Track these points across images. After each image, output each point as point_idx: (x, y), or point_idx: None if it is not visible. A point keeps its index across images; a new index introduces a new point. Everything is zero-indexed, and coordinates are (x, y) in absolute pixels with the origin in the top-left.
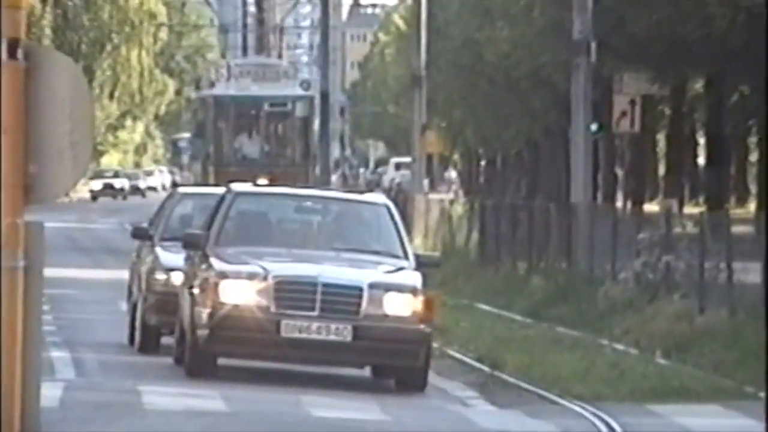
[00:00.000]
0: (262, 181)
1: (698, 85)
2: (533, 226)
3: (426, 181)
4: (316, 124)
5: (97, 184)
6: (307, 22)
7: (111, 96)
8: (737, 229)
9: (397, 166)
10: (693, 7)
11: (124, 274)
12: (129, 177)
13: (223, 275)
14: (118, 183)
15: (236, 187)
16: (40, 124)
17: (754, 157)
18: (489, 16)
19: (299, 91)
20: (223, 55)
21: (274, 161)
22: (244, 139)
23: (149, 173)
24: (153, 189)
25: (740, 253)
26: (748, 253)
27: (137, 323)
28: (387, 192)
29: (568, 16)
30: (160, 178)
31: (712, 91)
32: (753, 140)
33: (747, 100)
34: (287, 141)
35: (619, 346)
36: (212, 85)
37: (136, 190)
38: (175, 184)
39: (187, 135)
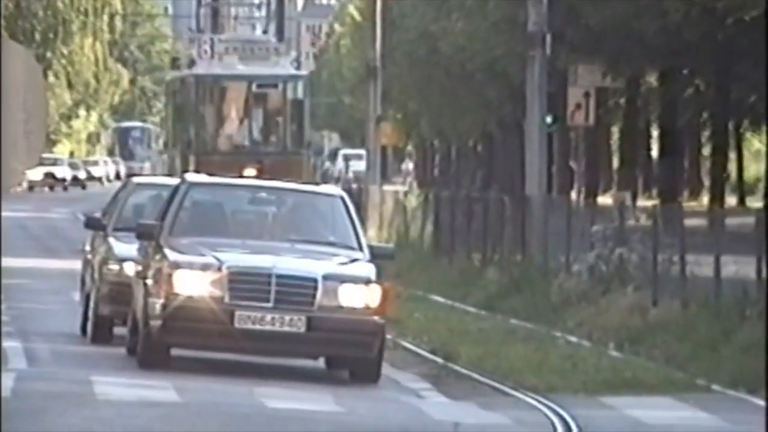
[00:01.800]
0: (250, 171)
1: (652, 79)
2: (488, 218)
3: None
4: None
5: (36, 173)
6: (262, 12)
7: (68, 85)
8: (690, 221)
9: (346, 158)
10: (648, 1)
11: (77, 264)
12: (71, 166)
13: (177, 266)
14: (59, 172)
15: (190, 177)
16: None
17: (707, 150)
18: (444, 8)
19: (291, 70)
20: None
21: (264, 149)
22: (230, 125)
23: (92, 163)
24: (96, 179)
25: (693, 246)
26: (700, 245)
27: (90, 313)
28: (336, 182)
29: (523, 8)
30: (104, 168)
31: (666, 85)
32: (706, 134)
33: (701, 94)
34: (278, 126)
35: (573, 339)
36: (192, 63)
37: (75, 180)
38: (119, 176)
39: (136, 123)
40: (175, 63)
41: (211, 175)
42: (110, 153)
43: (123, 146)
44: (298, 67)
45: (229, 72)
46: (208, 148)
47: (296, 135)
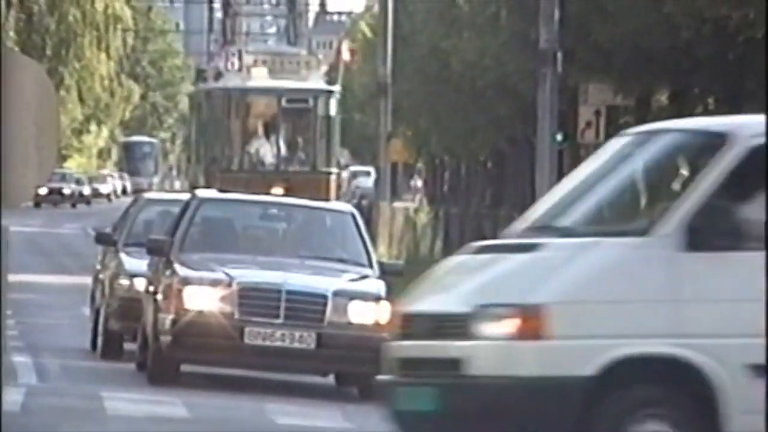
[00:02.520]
0: (277, 190)
1: (663, 97)
2: (497, 235)
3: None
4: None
5: (42, 189)
6: (273, 29)
7: (80, 99)
8: None
9: (354, 175)
10: (658, 19)
11: (88, 280)
12: (77, 182)
13: (187, 281)
14: (66, 188)
15: (201, 193)
16: (5, 128)
17: None
18: (455, 25)
19: (322, 85)
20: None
21: (292, 168)
22: (257, 141)
23: (99, 179)
24: (104, 196)
25: None
26: None
27: (100, 329)
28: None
29: (534, 26)
30: (111, 184)
31: (677, 103)
32: None
33: (711, 113)
34: (307, 144)
35: None
36: (219, 75)
37: (80, 196)
38: (125, 191)
39: (143, 138)
40: (200, 75)
41: (237, 192)
42: (120, 168)
43: (130, 161)
44: (329, 82)
45: (258, 85)
46: (233, 165)
47: (326, 153)
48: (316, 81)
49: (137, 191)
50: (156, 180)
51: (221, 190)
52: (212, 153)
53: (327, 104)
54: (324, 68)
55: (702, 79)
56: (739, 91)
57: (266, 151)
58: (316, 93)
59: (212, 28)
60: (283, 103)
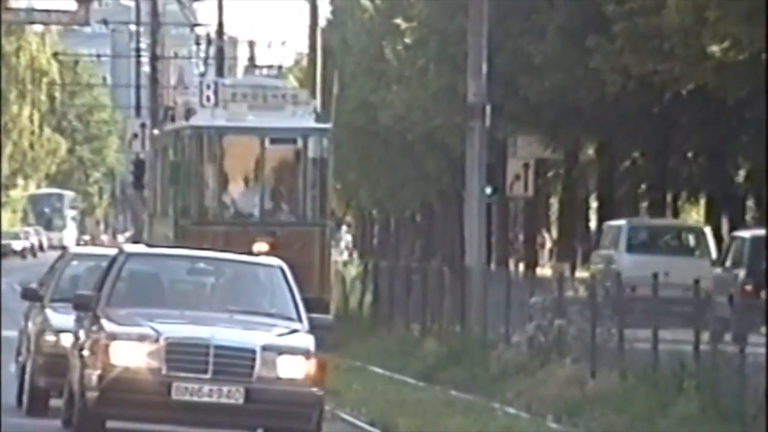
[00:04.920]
0: (260, 246)
1: (591, 150)
2: (427, 289)
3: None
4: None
5: None
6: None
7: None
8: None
9: None
10: (585, 73)
11: (14, 335)
12: None
13: (114, 336)
14: None
15: (127, 247)
16: None
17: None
18: (384, 79)
19: (311, 123)
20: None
21: (278, 219)
22: (236, 188)
23: (11, 235)
24: (18, 253)
25: (631, 318)
26: (639, 317)
27: (26, 385)
28: None
29: (462, 79)
30: (25, 241)
31: (604, 156)
32: (644, 205)
33: (638, 166)
34: (296, 191)
35: (511, 410)
36: (191, 112)
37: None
38: (42, 247)
39: (52, 190)
40: (168, 113)
41: (214, 250)
42: (27, 223)
43: (38, 215)
44: (319, 119)
45: (236, 124)
46: (209, 217)
47: (317, 202)
48: (304, 118)
49: (52, 247)
50: (66, 233)
51: (195, 247)
52: (183, 203)
53: (318, 145)
54: (314, 103)
55: (628, 133)
56: (664, 145)
57: (247, 200)
58: (305, 132)
59: (140, 82)
60: (267, 143)
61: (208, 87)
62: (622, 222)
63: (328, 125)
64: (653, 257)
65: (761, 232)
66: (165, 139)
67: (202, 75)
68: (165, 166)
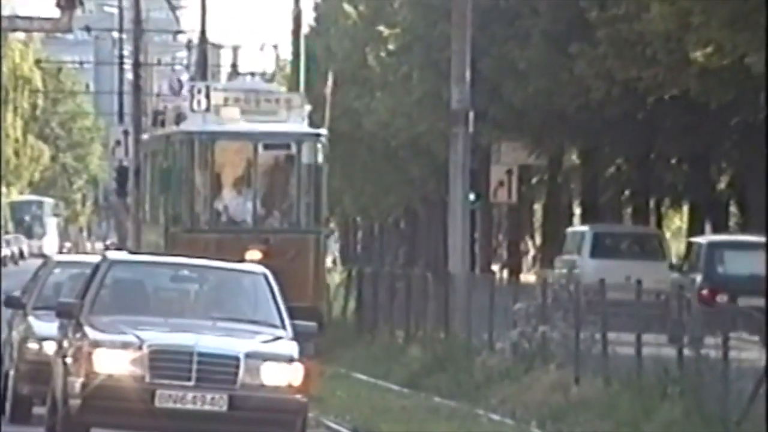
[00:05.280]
0: (253, 254)
1: (574, 156)
2: (411, 296)
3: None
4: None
5: None
6: (184, 89)
7: None
8: (612, 297)
9: None
10: (569, 79)
11: None
12: None
13: (97, 344)
14: None
15: (111, 255)
16: None
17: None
18: (368, 85)
19: (305, 128)
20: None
21: (271, 226)
22: (229, 195)
23: None
24: None
25: (615, 324)
26: (622, 323)
27: (9, 393)
28: None
29: (446, 85)
30: (8, 248)
31: (588, 163)
32: (628, 211)
33: (622, 172)
34: (289, 198)
35: (496, 416)
36: (180, 117)
37: None
38: (22, 255)
39: (31, 197)
40: (157, 118)
41: (206, 258)
42: (6, 231)
43: (19, 223)
44: (313, 124)
45: (228, 129)
46: (200, 224)
47: (311, 209)
48: (298, 123)
49: (33, 255)
50: (47, 241)
51: (187, 255)
52: (174, 211)
53: (312, 150)
54: (308, 108)
55: (612, 139)
56: (648, 151)
57: (239, 207)
58: (299, 137)
59: (123, 89)
60: (260, 149)
61: (199, 91)
62: (585, 228)
63: (323, 130)
64: (615, 261)
65: (717, 237)
66: (155, 145)
67: (192, 79)
68: (155, 172)
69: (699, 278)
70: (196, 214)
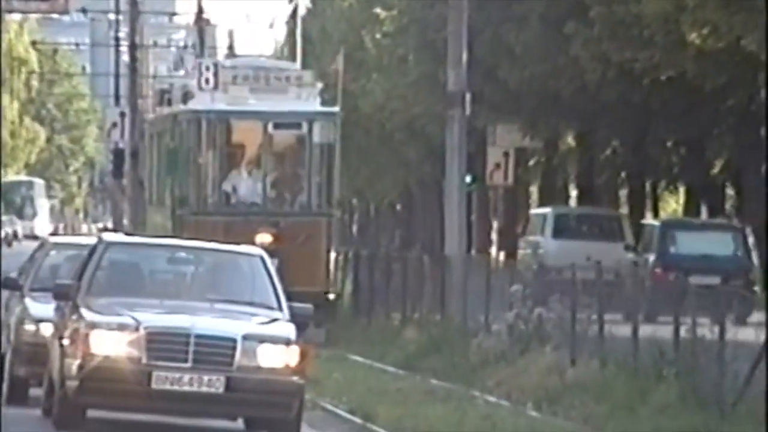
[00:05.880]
0: (263, 237)
1: (570, 139)
2: (407, 278)
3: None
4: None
5: None
6: (181, 72)
7: None
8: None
9: None
10: (565, 62)
11: None
12: None
13: (94, 326)
14: None
15: (107, 236)
16: None
17: (624, 210)
18: (364, 67)
19: (317, 106)
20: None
21: (282, 209)
22: (237, 176)
23: None
24: None
25: (611, 305)
26: (618, 305)
27: (5, 374)
28: None
29: (442, 68)
30: (2, 229)
31: (584, 145)
32: (624, 192)
33: (618, 155)
34: (301, 179)
35: (491, 398)
36: (188, 96)
37: None
38: (16, 236)
39: (22, 178)
40: (164, 96)
41: (213, 241)
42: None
43: (9, 204)
44: (324, 102)
45: (237, 108)
46: (208, 207)
47: (324, 190)
48: (310, 101)
49: (27, 237)
50: (38, 222)
51: (194, 238)
52: (181, 193)
53: (325, 130)
54: (320, 86)
55: (608, 122)
56: (644, 134)
57: (249, 188)
58: (311, 116)
59: (119, 71)
60: (270, 128)
61: (207, 69)
62: (547, 209)
63: (335, 108)
64: (577, 242)
65: (669, 219)
66: (161, 124)
67: (198, 55)
68: (161, 152)
69: (652, 258)
70: (203, 196)
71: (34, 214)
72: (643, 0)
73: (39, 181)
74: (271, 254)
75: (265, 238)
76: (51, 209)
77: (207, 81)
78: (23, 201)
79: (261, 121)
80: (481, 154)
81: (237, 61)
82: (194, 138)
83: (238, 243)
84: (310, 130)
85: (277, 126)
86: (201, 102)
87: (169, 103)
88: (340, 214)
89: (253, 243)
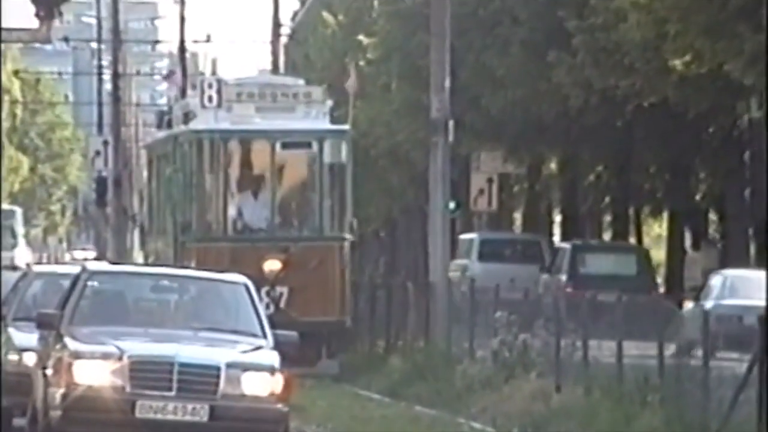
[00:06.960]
0: (273, 264)
1: (553, 164)
2: (391, 305)
3: None
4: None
5: None
6: (163, 100)
7: None
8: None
9: None
10: (548, 87)
11: None
12: None
13: (77, 355)
14: None
15: (90, 265)
16: None
17: (608, 236)
18: (346, 95)
19: (327, 124)
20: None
21: (291, 234)
22: (245, 199)
23: None
24: None
25: (595, 332)
26: (603, 331)
27: None
28: None
29: (425, 94)
30: None
31: (567, 171)
32: (607, 219)
33: (601, 180)
34: (311, 202)
35: (477, 425)
36: (189, 116)
37: None
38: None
39: (5, 207)
40: (163, 118)
41: (219, 270)
42: None
43: None
44: (334, 120)
45: (242, 127)
46: (213, 233)
47: (335, 213)
48: (319, 119)
49: (5, 267)
50: (18, 252)
51: (198, 266)
52: (184, 219)
53: (336, 149)
54: (330, 103)
55: (591, 147)
56: (627, 159)
57: (256, 212)
58: (321, 135)
59: (102, 100)
60: (278, 148)
61: (210, 86)
62: (474, 235)
63: (346, 126)
64: (500, 265)
65: (579, 242)
66: (161, 147)
67: (202, 74)
68: (162, 176)
69: (564, 278)
70: (207, 221)
71: (15, 245)
72: (625, 27)
73: (19, 210)
74: (281, 282)
75: (274, 264)
76: (33, 238)
77: (210, 99)
78: (3, 230)
79: (268, 141)
80: (464, 180)
81: (242, 78)
82: (197, 160)
83: (245, 271)
84: (320, 150)
85: (285, 146)
86: (203, 121)
87: (170, 125)
88: (354, 237)
89: (261, 270)
